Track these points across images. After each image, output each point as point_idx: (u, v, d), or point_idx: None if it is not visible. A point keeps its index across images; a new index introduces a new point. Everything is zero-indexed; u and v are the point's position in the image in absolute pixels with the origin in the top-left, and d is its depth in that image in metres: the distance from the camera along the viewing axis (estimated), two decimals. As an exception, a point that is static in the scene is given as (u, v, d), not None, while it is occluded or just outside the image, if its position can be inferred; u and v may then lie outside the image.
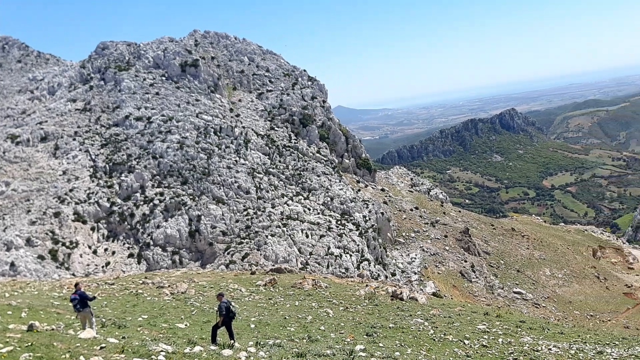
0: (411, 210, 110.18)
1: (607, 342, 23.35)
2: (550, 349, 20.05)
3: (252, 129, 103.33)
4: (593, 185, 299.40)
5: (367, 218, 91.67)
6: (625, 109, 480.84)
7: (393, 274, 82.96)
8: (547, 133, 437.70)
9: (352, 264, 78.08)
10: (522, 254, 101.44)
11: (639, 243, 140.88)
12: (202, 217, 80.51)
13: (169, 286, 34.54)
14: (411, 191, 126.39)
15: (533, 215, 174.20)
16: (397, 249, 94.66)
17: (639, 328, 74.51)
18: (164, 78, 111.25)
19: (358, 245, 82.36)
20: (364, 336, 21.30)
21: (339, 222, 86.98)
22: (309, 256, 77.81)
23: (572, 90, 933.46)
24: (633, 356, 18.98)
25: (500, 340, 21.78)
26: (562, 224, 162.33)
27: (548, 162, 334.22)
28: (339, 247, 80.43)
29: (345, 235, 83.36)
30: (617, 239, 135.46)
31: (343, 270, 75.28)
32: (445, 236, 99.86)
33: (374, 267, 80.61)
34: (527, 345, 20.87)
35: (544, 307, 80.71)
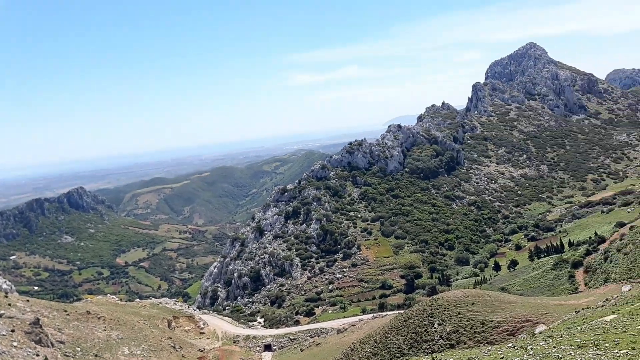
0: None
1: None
2: None
3: None
4: (164, 259, 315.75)
5: None
6: (188, 186, 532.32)
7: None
8: (117, 211, 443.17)
9: None
10: (99, 337, 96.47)
11: (207, 308, 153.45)
12: None
13: None
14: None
15: (109, 294, 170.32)
16: (-55, 360, 76.90)
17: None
18: None
19: None
20: None
21: None
22: None
23: (138, 169, 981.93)
24: None
25: None
26: (138, 299, 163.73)
27: (120, 239, 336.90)
28: None
29: None
30: (189, 307, 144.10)
31: None
32: (13, 331, 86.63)
33: None
34: None
35: (125, 389, 77.81)
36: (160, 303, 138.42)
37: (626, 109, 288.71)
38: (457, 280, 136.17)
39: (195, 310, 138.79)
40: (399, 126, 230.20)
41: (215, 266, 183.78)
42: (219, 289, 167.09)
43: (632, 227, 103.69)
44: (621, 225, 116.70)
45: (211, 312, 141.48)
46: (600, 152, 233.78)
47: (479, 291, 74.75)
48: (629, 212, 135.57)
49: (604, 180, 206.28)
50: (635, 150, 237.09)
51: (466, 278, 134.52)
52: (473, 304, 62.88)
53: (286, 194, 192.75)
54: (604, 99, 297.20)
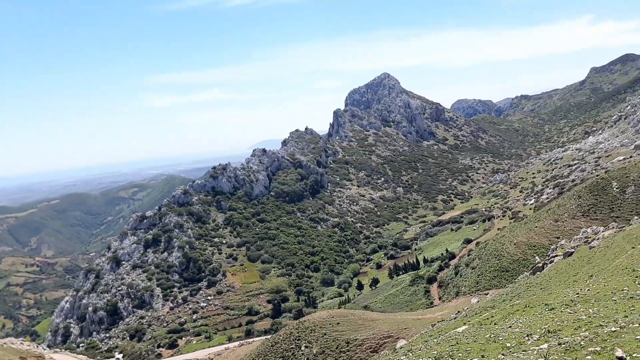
0: None
1: None
2: None
3: None
4: (9, 295, 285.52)
5: None
6: (34, 215, 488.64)
7: None
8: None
9: None
10: None
11: (59, 346, 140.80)
12: None
13: None
14: None
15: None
16: None
17: None
18: None
19: None
20: None
21: None
22: None
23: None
24: None
25: None
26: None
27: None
28: None
29: None
30: (38, 347, 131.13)
31: None
32: None
33: None
34: None
35: None
36: (5, 344, 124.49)
37: (469, 136, 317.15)
38: (322, 301, 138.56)
39: (45, 350, 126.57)
40: (264, 150, 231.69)
41: (67, 301, 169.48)
42: (72, 325, 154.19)
43: (477, 243, 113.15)
44: (468, 241, 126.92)
45: (63, 350, 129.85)
46: (448, 175, 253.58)
47: (344, 311, 76.54)
48: (474, 229, 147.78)
49: (452, 200, 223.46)
50: (477, 173, 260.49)
51: (331, 298, 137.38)
52: (338, 323, 64.13)
53: (145, 221, 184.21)
54: (450, 126, 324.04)
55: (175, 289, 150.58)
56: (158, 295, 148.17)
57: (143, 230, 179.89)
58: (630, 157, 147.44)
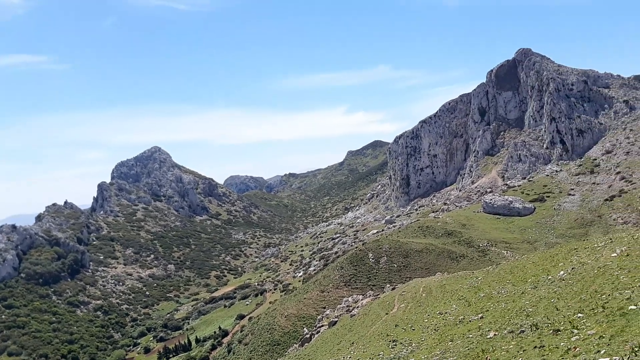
0: None
1: None
2: None
3: None
4: None
5: None
6: None
7: None
8: None
9: None
10: None
11: None
12: None
13: None
14: None
15: None
16: None
17: None
18: None
19: None
20: None
21: None
22: None
23: None
24: None
25: None
26: None
27: None
28: None
29: None
30: None
31: None
32: None
33: None
34: None
35: None
36: None
37: (242, 211, 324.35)
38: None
39: None
40: (14, 226, 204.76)
41: None
42: None
43: (250, 318, 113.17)
44: (241, 317, 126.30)
45: None
46: (222, 250, 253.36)
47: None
48: (247, 304, 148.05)
49: (225, 276, 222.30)
50: (250, 248, 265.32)
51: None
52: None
53: None
54: (223, 201, 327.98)
55: None
56: None
57: None
58: (382, 230, 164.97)
